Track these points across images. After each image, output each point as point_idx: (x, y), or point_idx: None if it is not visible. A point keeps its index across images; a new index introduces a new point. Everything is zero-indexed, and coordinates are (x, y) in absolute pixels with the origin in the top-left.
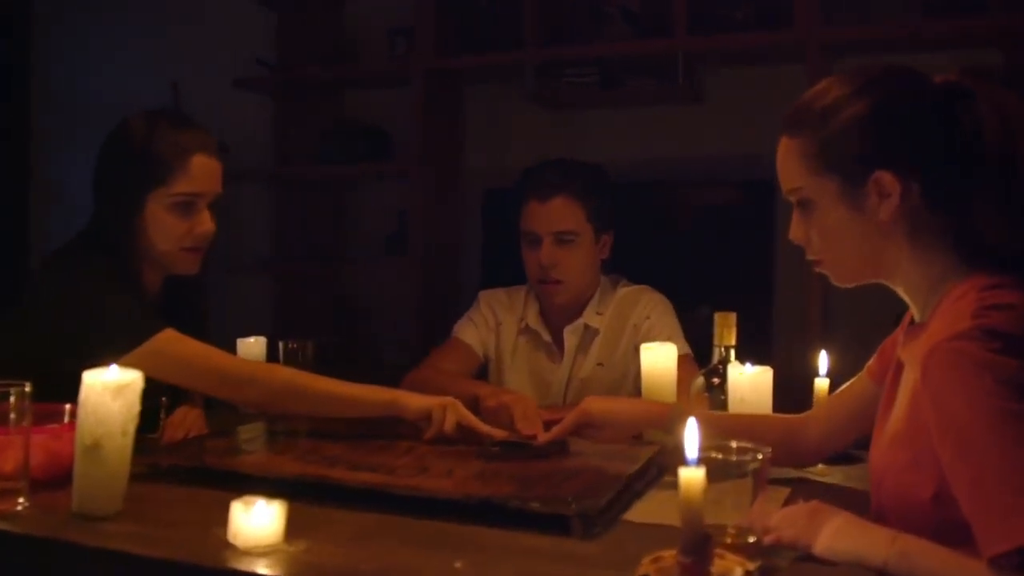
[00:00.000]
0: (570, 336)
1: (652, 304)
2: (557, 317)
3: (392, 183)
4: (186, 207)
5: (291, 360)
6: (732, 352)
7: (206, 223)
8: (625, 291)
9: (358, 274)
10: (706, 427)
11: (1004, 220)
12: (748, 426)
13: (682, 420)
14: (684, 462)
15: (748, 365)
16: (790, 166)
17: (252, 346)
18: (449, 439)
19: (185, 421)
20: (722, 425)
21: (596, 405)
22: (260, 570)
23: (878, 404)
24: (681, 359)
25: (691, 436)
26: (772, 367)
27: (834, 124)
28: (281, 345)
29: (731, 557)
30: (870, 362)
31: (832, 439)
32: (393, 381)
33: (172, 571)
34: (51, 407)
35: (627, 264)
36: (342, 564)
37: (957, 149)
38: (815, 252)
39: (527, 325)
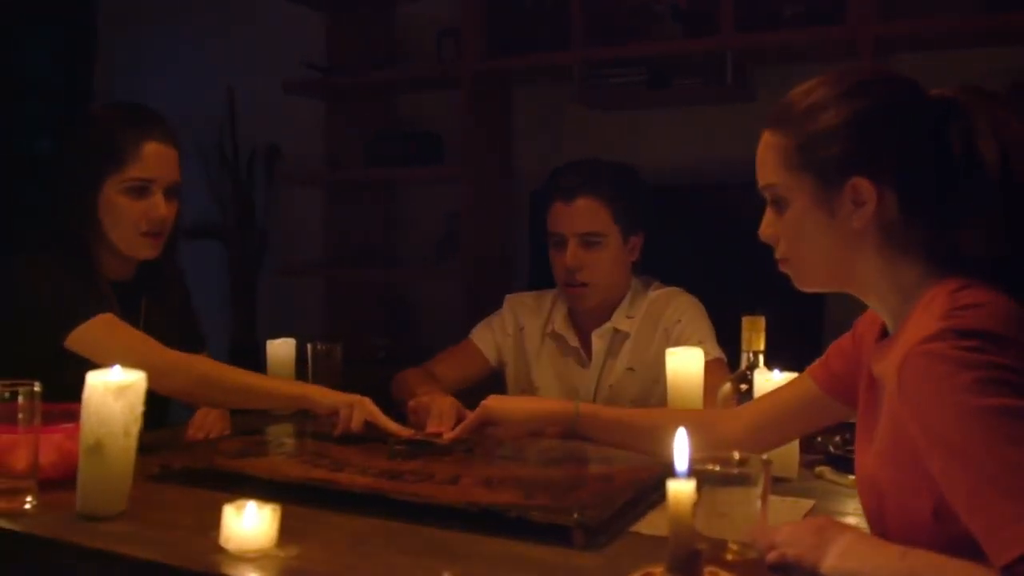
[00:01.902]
0: (598, 340)
1: (683, 307)
2: (585, 320)
3: (442, 186)
4: (139, 192)
5: (318, 363)
6: (760, 357)
7: (160, 207)
8: (656, 294)
9: (408, 276)
10: (608, 427)
11: (989, 238)
12: (651, 422)
13: (584, 420)
14: (673, 473)
15: (776, 371)
16: (768, 161)
17: (281, 347)
18: (357, 436)
19: (205, 422)
20: (626, 422)
21: (495, 403)
22: (247, 575)
23: (819, 407)
24: (712, 364)
25: (680, 446)
26: None
27: (817, 124)
28: (309, 347)
29: (725, 575)
30: (814, 364)
31: (756, 438)
32: None
33: (160, 574)
34: (68, 406)
35: (675, 268)
36: (330, 571)
37: (942, 165)
38: (781, 252)
39: (553, 329)
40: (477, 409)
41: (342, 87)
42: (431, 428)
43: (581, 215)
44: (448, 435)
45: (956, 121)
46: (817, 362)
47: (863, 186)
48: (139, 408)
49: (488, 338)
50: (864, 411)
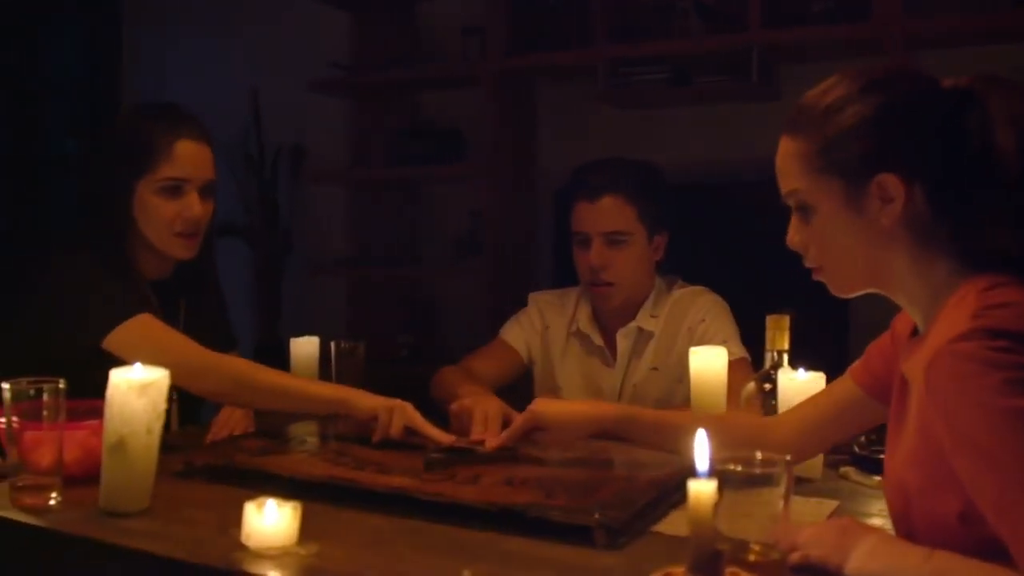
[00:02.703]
0: (623, 339)
1: (707, 306)
2: (610, 320)
3: (465, 184)
4: (173, 191)
5: (342, 361)
6: (785, 356)
7: (194, 207)
8: (680, 293)
9: (431, 275)
10: (654, 430)
11: (1016, 233)
12: (700, 427)
13: (629, 423)
14: (695, 474)
15: (800, 371)
16: (789, 167)
17: (304, 345)
18: (396, 442)
19: (230, 420)
20: (674, 425)
21: (543, 407)
22: (267, 573)
23: (862, 409)
24: (736, 363)
25: (701, 447)
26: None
27: (837, 124)
28: (333, 345)
29: (746, 575)
30: (854, 365)
31: (804, 443)
32: None
33: (180, 571)
34: (93, 403)
35: (699, 266)
36: (349, 569)
37: (964, 155)
38: (813, 259)
39: (578, 328)
40: (524, 414)
41: (366, 86)
42: (475, 435)
43: (606, 214)
44: (491, 443)
45: (972, 111)
46: (858, 362)
47: (890, 182)
48: (162, 406)
49: (519, 335)
50: (894, 411)
